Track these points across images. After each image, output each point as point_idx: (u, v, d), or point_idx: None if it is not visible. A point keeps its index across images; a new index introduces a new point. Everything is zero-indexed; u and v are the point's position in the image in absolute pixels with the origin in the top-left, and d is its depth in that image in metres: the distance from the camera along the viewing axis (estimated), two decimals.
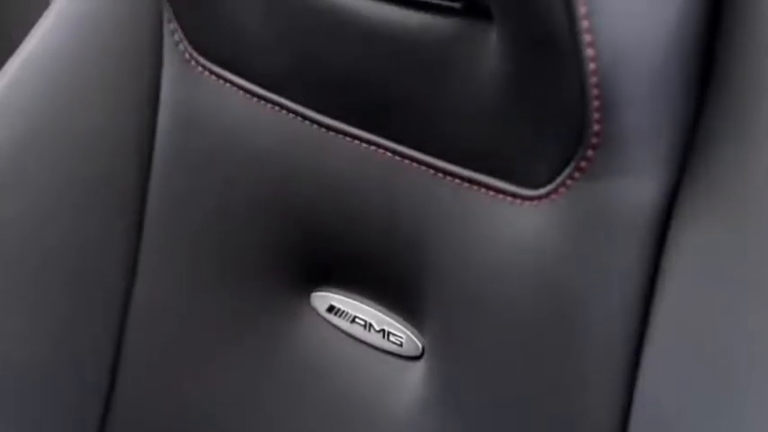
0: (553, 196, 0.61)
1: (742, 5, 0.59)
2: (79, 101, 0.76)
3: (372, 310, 0.73)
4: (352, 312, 0.74)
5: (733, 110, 0.59)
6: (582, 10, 0.54)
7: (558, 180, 0.61)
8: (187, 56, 0.74)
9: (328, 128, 0.69)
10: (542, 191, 0.62)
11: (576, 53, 0.55)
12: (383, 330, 0.73)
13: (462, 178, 0.65)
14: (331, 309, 0.75)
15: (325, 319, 0.75)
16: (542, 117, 0.60)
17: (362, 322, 0.73)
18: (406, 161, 0.67)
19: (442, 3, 0.60)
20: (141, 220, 0.77)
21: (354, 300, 0.74)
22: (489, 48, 0.60)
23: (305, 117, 0.70)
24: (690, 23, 0.58)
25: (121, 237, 0.78)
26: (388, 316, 0.73)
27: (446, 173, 0.65)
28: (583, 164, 0.59)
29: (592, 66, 0.55)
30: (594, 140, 0.58)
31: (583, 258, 0.61)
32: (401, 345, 0.72)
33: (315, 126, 0.70)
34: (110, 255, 0.78)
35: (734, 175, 0.59)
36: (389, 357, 0.73)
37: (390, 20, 0.62)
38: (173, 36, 0.74)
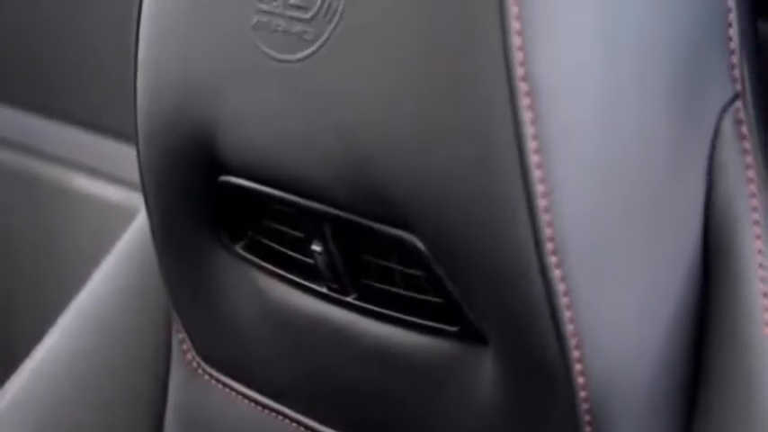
0: None
1: (727, 331, 0.60)
2: (85, 408, 0.78)
3: None
4: None
5: (728, 418, 0.60)
6: (573, 341, 0.56)
7: None
8: (195, 364, 0.76)
9: None
10: None
11: (567, 381, 0.57)
12: None
13: None
14: None
15: None
16: None
17: None
18: None
19: (438, 326, 0.63)
20: None
21: None
22: (485, 370, 0.62)
23: (307, 427, 0.71)
24: (680, 341, 0.60)
25: None
26: None
27: None
28: None
29: (583, 393, 0.57)
30: None
31: None
32: None
33: None
34: None
35: None
36: None
37: (390, 339, 0.64)
38: (181, 345, 0.77)
